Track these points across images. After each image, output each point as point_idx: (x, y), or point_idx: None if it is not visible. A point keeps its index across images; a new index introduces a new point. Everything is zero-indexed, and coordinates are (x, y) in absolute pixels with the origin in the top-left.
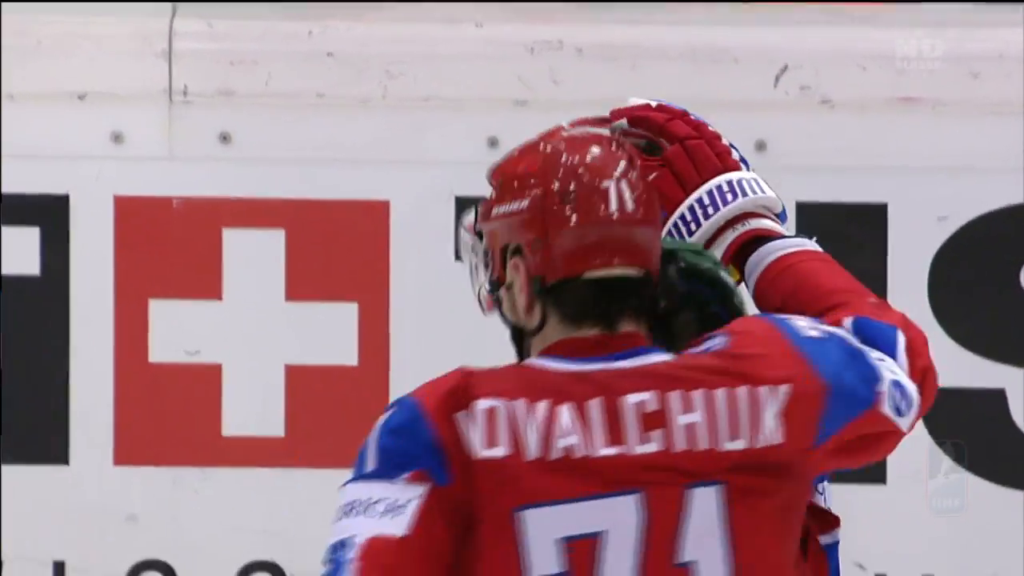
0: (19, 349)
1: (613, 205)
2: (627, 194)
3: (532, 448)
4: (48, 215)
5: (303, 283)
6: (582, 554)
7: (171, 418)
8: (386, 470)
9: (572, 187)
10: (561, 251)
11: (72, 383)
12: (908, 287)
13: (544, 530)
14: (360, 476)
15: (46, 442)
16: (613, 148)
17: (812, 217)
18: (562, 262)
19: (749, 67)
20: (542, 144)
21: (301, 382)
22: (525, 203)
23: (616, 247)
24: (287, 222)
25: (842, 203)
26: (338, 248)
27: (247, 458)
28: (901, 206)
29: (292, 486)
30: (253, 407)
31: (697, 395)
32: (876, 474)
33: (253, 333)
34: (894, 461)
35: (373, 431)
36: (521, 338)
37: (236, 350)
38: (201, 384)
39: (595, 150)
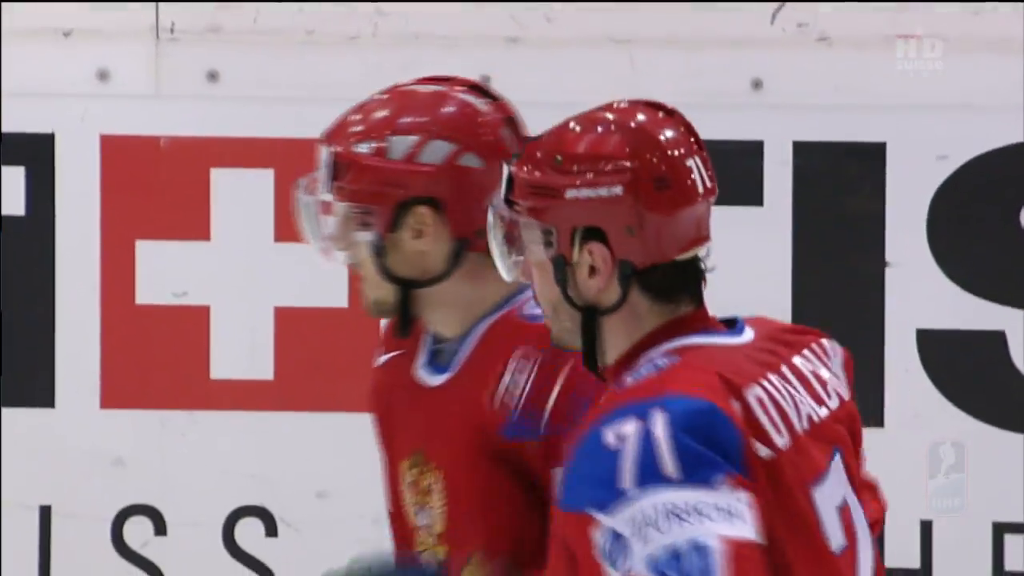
0: (3, 290)
1: (699, 185)
2: (703, 169)
3: (797, 423)
4: (33, 154)
5: (292, 224)
6: (847, 520)
7: (158, 361)
8: (699, 476)
9: (664, 171)
10: (658, 238)
11: (58, 325)
12: (907, 227)
13: (828, 503)
14: (663, 482)
15: (31, 385)
16: (673, 118)
17: (810, 156)
18: (658, 248)
19: (745, 4)
20: (607, 121)
21: (290, 324)
22: (618, 189)
23: (703, 228)
24: (276, 161)
25: (840, 142)
26: None
27: (235, 401)
28: (900, 145)
29: (281, 430)
30: (242, 349)
31: (808, 352)
32: (874, 417)
33: (241, 274)
34: (892, 404)
35: (647, 433)
36: (590, 315)
37: (224, 292)
38: (189, 326)
39: (664, 123)
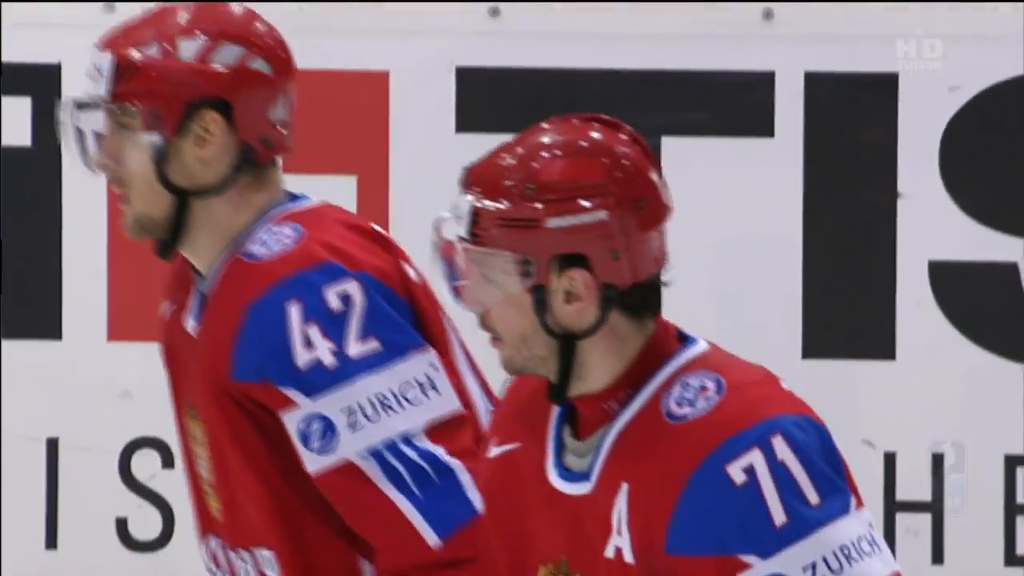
0: (10, 222)
1: (666, 198)
2: (664, 182)
3: None
4: (40, 85)
5: (300, 155)
6: None
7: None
8: (840, 504)
9: (640, 190)
10: (640, 259)
11: (64, 257)
12: (919, 158)
13: None
14: (813, 513)
15: (39, 317)
16: (623, 131)
17: (821, 87)
18: (638, 269)
19: None
20: (568, 144)
21: None
22: (602, 214)
23: (666, 243)
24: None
25: (852, 72)
26: (336, 120)
27: None
28: (912, 75)
29: None
30: None
31: None
32: (885, 350)
33: None
34: (903, 337)
35: (777, 462)
36: (568, 342)
37: None
38: None
39: (621, 140)
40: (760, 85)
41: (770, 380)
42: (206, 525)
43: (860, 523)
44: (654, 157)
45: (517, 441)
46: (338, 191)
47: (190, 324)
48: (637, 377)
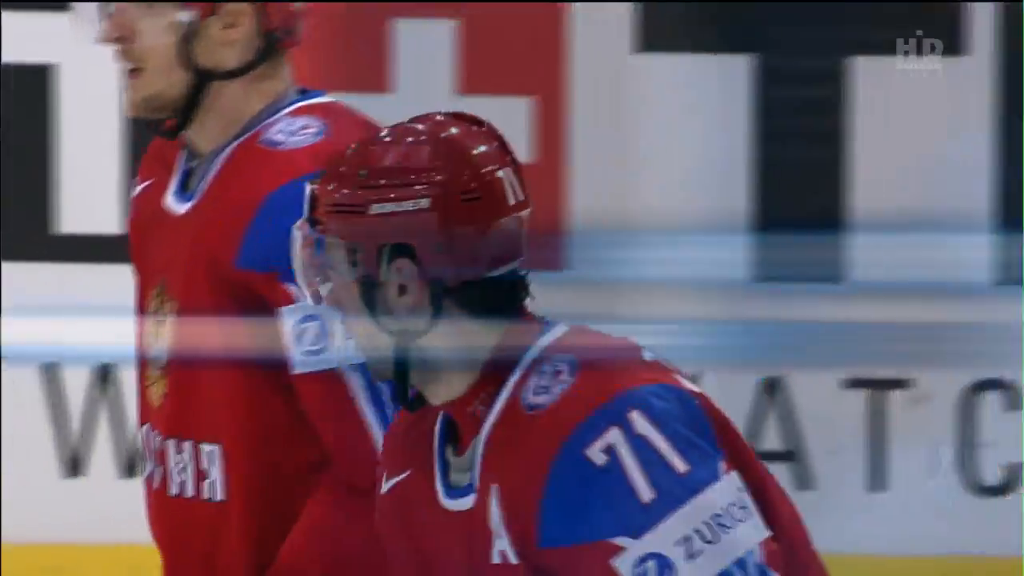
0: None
1: (510, 198)
2: (515, 181)
3: None
4: None
5: (474, 77)
6: None
7: None
8: (707, 471)
9: (472, 184)
10: (471, 256)
11: None
12: None
13: None
14: (680, 485)
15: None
16: (483, 129)
17: (1016, 2)
18: (471, 267)
19: None
20: (415, 133)
21: None
22: (424, 203)
23: (516, 243)
24: (459, 13)
25: None
26: (512, 41)
27: None
28: None
29: None
30: None
31: None
32: None
33: None
34: None
35: (637, 436)
36: (404, 336)
37: None
38: None
39: (474, 135)
40: (952, 2)
41: (627, 352)
42: (145, 414)
43: (731, 488)
44: (514, 158)
45: (405, 470)
46: (512, 114)
47: (172, 202)
48: (498, 375)
